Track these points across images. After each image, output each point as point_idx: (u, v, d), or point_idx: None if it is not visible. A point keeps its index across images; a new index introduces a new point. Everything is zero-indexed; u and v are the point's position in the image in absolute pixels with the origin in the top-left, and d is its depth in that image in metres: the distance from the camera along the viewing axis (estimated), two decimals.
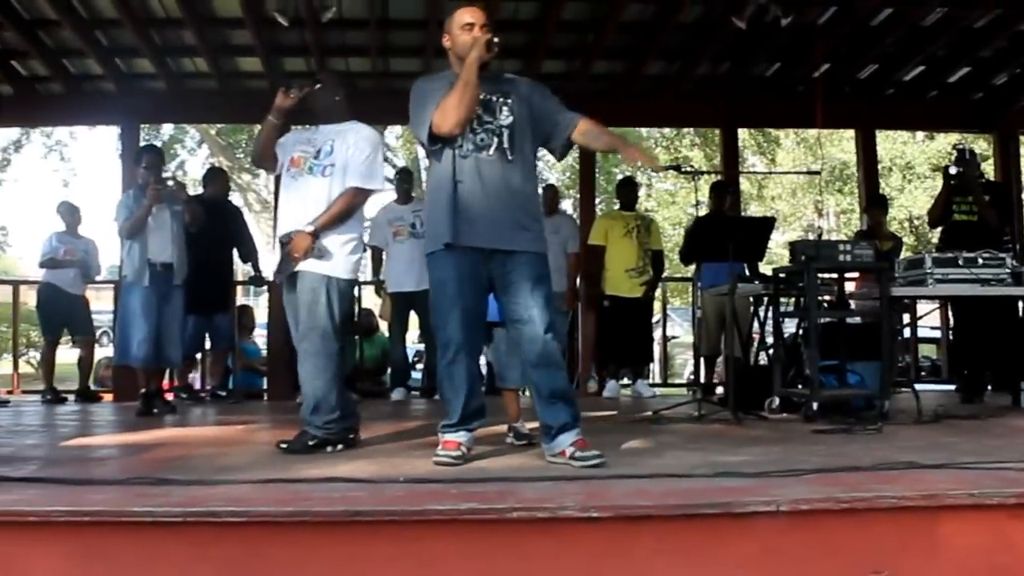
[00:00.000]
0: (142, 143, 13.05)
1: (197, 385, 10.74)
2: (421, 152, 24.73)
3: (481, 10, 5.04)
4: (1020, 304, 8.57)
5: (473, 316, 4.92)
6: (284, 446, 5.41)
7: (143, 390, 8.16)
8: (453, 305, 4.84)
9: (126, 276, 7.98)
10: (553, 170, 26.84)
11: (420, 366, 11.53)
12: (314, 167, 5.58)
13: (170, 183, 8.23)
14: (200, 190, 10.29)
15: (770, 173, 26.29)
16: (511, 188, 4.87)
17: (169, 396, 9.08)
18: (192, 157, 26.74)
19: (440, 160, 4.90)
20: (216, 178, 10.27)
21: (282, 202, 5.73)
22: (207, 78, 11.29)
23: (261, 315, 12.94)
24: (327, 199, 5.50)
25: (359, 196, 5.56)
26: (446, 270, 4.85)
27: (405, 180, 10.50)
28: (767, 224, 8.14)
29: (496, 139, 4.87)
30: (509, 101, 4.95)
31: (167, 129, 24.78)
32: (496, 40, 4.83)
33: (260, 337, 12.61)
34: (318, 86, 5.80)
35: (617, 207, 10.78)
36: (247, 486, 4.02)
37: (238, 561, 3.48)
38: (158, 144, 24.59)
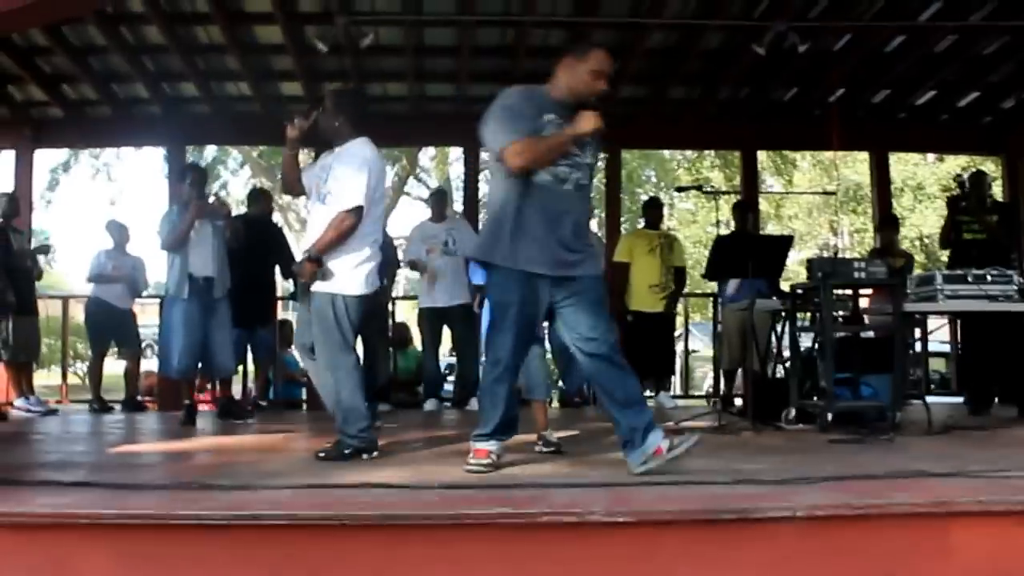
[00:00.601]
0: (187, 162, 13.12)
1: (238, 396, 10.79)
2: (453, 172, 24.89)
3: (611, 69, 4.90)
4: None
5: (525, 340, 4.91)
6: (322, 455, 5.44)
7: (186, 401, 8.23)
8: (511, 327, 4.77)
9: (168, 290, 8.05)
10: None
11: (451, 378, 11.55)
12: (322, 195, 5.69)
13: (212, 199, 8.30)
14: (244, 209, 10.35)
15: (788, 193, 26.15)
16: (577, 218, 4.81)
17: (206, 407, 9.14)
18: (235, 178, 26.81)
19: (509, 178, 4.75)
20: (259, 198, 10.32)
21: (308, 228, 5.86)
22: (249, 102, 11.36)
23: None
24: (324, 225, 5.59)
25: (346, 219, 5.53)
26: (511, 293, 4.76)
27: (440, 200, 10.54)
28: (786, 242, 8.14)
29: (578, 173, 4.79)
30: (593, 141, 4.85)
31: (210, 151, 24.88)
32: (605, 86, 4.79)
33: None
34: (319, 111, 5.86)
35: (642, 225, 10.78)
36: (288, 491, 4.05)
37: (279, 562, 3.52)
38: (202, 164, 24.85)
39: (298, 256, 6.55)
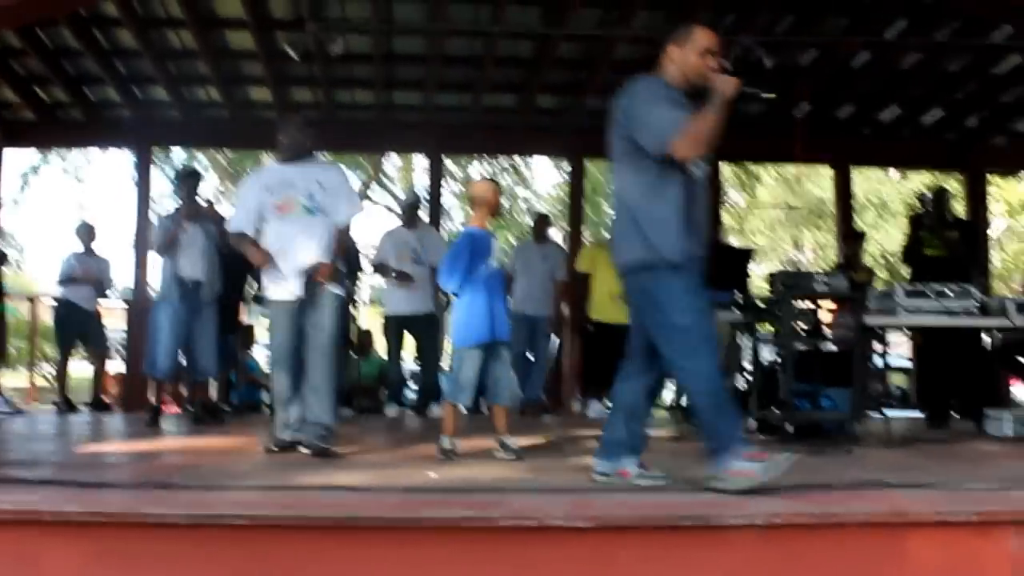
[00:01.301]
0: (153, 167, 13.09)
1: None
2: (419, 181, 24.86)
3: (720, 41, 4.74)
4: (984, 335, 8.65)
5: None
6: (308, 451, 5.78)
7: (153, 402, 8.26)
8: (703, 328, 4.45)
9: (158, 291, 8.15)
10: (542, 201, 26.90)
11: (414, 386, 11.53)
12: (312, 208, 6.05)
13: (203, 201, 8.31)
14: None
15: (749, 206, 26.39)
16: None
17: (177, 409, 9.13)
18: (201, 183, 26.76)
19: (668, 175, 4.48)
20: None
21: (281, 238, 6.06)
22: (218, 107, 11.38)
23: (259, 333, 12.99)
24: (327, 234, 6.04)
25: (346, 231, 6.18)
26: (688, 282, 4.48)
27: (413, 207, 10.52)
28: (746, 254, 8.20)
29: (708, 168, 4.71)
30: None
31: (178, 156, 24.83)
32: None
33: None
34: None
35: (605, 237, 10.82)
36: (252, 492, 4.08)
37: (242, 562, 3.52)
38: (169, 169, 24.72)
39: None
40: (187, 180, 8.49)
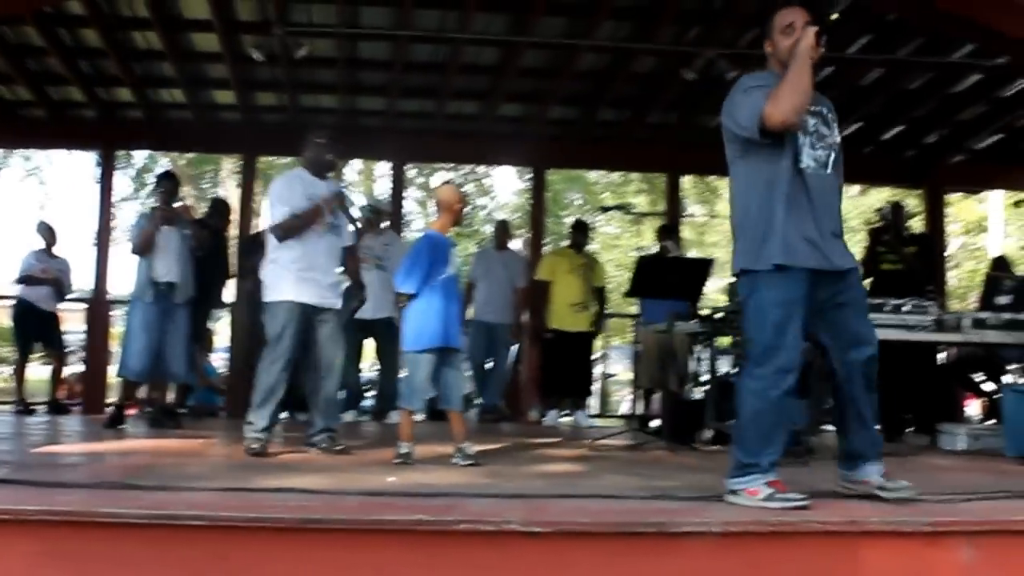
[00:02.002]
0: (115, 169, 13.03)
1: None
2: (379, 188, 24.83)
3: (803, 9, 4.43)
4: (938, 348, 8.75)
5: (799, 344, 4.30)
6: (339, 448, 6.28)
7: (116, 404, 8.25)
8: (786, 331, 4.22)
9: (132, 292, 8.09)
10: (504, 210, 26.96)
11: (372, 393, 11.50)
12: (335, 227, 6.50)
13: (177, 204, 8.25)
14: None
15: (714, 216, 26.54)
16: (838, 206, 4.43)
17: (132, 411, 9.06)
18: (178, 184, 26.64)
19: (775, 168, 4.31)
20: (220, 210, 10.18)
21: (314, 247, 6.39)
22: (182, 109, 11.30)
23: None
24: (338, 251, 6.58)
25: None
26: (795, 293, 4.25)
27: (377, 212, 10.48)
28: (706, 265, 8.23)
29: (832, 155, 4.40)
30: (833, 117, 4.50)
31: (140, 158, 24.68)
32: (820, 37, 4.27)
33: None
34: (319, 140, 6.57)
35: (566, 244, 10.84)
36: (209, 493, 4.05)
37: (199, 563, 3.50)
38: (131, 172, 24.57)
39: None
40: (165, 182, 8.44)
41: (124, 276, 9.26)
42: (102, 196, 11.64)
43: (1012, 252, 23.30)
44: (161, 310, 7.96)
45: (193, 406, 10.34)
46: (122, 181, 24.55)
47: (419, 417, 6.73)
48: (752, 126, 4.24)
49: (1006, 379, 8.70)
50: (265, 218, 6.55)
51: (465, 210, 6.23)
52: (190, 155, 22.57)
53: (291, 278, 6.23)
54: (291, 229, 6.27)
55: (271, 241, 6.40)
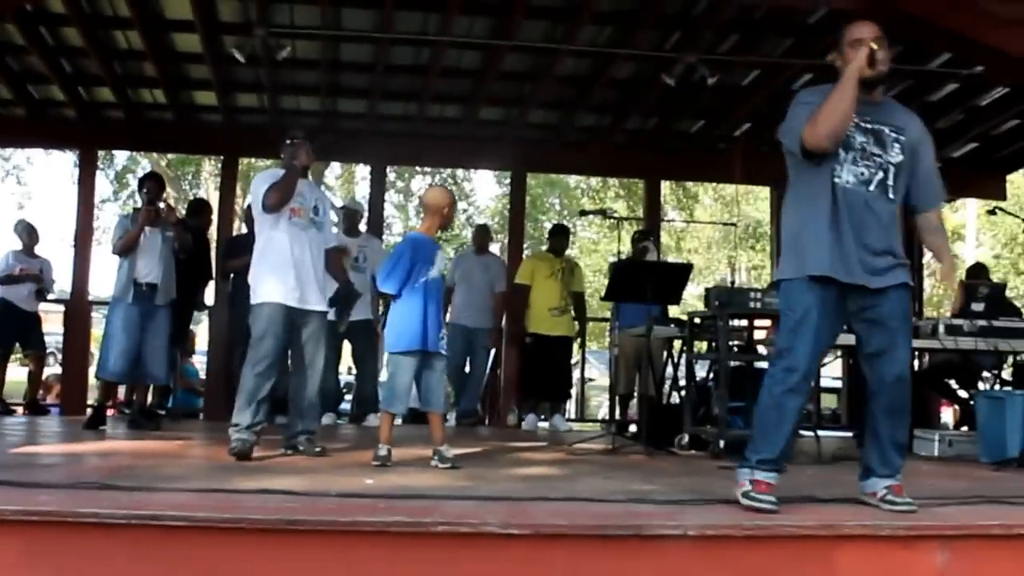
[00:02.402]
0: (96, 169, 12.96)
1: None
2: (359, 192, 24.81)
3: (873, 24, 4.46)
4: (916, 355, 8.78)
5: (819, 353, 4.49)
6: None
7: (95, 405, 8.22)
8: (809, 335, 4.30)
9: (113, 292, 8.04)
10: (483, 214, 26.99)
11: (349, 396, 11.47)
12: (317, 223, 6.40)
13: (161, 205, 8.21)
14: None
15: (693, 222, 26.64)
16: (884, 226, 4.34)
17: (110, 412, 9.03)
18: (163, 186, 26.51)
19: (813, 182, 4.37)
20: (201, 210, 10.13)
21: (297, 243, 6.25)
22: (163, 109, 11.28)
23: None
24: (323, 250, 6.42)
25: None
26: (810, 300, 4.30)
27: (353, 216, 10.45)
28: (684, 270, 8.26)
29: (882, 174, 4.34)
30: (902, 139, 4.42)
31: (120, 159, 24.59)
32: (877, 54, 4.30)
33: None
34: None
35: (545, 249, 10.85)
36: (188, 494, 4.03)
37: (177, 563, 3.49)
38: (111, 173, 24.45)
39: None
40: (148, 183, 8.38)
41: (104, 277, 9.20)
42: (82, 197, 11.59)
43: (986, 260, 23.48)
44: (142, 311, 7.90)
45: (173, 408, 10.31)
46: (102, 182, 24.47)
47: (399, 421, 6.72)
48: (794, 145, 4.35)
49: (980, 386, 8.74)
50: (248, 218, 6.45)
51: (451, 213, 6.14)
52: (171, 156, 22.51)
53: (274, 280, 6.15)
54: (281, 189, 6.17)
55: (257, 241, 6.35)
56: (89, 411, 8.18)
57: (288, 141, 6.39)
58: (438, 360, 5.90)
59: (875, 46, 4.30)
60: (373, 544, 3.53)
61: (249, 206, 7.91)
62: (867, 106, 4.34)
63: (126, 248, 7.89)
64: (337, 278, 6.73)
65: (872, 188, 4.32)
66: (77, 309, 11.26)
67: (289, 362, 6.47)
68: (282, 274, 6.15)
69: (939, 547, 3.80)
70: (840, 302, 4.34)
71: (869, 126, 4.35)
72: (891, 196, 4.36)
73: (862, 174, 4.31)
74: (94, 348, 10.93)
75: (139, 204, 8.25)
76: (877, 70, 4.30)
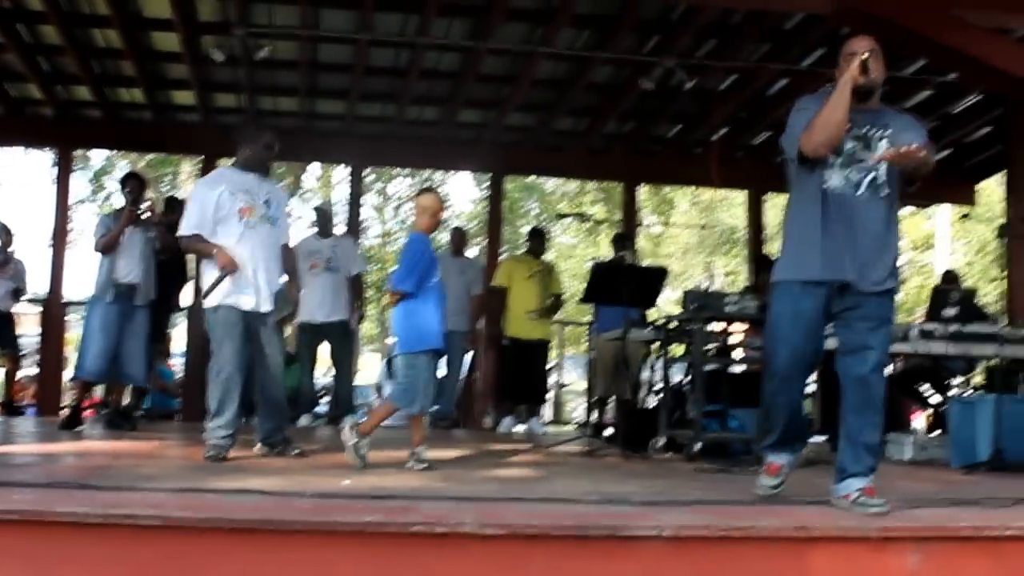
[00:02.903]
0: (73, 169, 12.92)
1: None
2: (336, 195, 24.76)
3: (869, 38, 4.57)
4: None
5: (801, 353, 4.58)
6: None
7: (72, 405, 8.17)
8: (785, 340, 4.55)
9: (93, 291, 7.98)
10: (460, 218, 26.99)
11: (327, 398, 11.45)
12: (271, 218, 6.19)
13: (146, 204, 8.17)
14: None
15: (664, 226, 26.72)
16: (876, 230, 4.49)
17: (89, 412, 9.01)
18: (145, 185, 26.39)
19: (805, 188, 4.55)
20: (177, 209, 10.05)
21: (248, 244, 6.06)
22: (142, 109, 11.23)
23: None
24: (279, 250, 6.28)
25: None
26: (799, 303, 4.51)
27: (325, 216, 10.45)
28: (660, 274, 8.28)
29: (872, 175, 4.48)
30: (888, 133, 4.52)
31: (98, 160, 24.48)
32: (869, 63, 4.42)
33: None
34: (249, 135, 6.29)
35: (522, 252, 10.86)
36: (164, 493, 4.02)
37: (154, 561, 3.49)
38: (90, 173, 24.33)
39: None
40: (131, 182, 8.33)
41: (80, 278, 9.15)
42: (58, 197, 11.53)
43: (959, 267, 23.63)
44: (121, 311, 7.86)
45: (149, 409, 10.26)
46: (80, 182, 24.33)
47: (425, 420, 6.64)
48: (792, 151, 4.53)
49: (952, 391, 8.81)
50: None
51: (440, 218, 6.05)
52: (149, 156, 22.39)
53: (226, 282, 6.02)
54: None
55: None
56: (65, 411, 8.11)
57: (260, 139, 6.32)
58: (437, 361, 5.92)
59: (867, 56, 4.43)
60: (349, 544, 3.53)
61: None
62: (861, 114, 4.47)
63: (108, 246, 7.85)
64: (289, 274, 6.54)
65: (861, 191, 4.46)
66: (53, 310, 11.19)
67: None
68: (234, 277, 6.00)
69: (911, 549, 3.83)
70: (828, 305, 4.49)
71: (861, 131, 4.49)
72: (882, 195, 4.48)
73: (852, 178, 4.46)
74: (70, 349, 10.87)
75: (121, 204, 8.20)
76: (869, 79, 4.43)
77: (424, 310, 5.75)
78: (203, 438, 5.90)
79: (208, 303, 6.07)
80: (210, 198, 6.06)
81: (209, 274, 6.10)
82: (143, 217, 7.96)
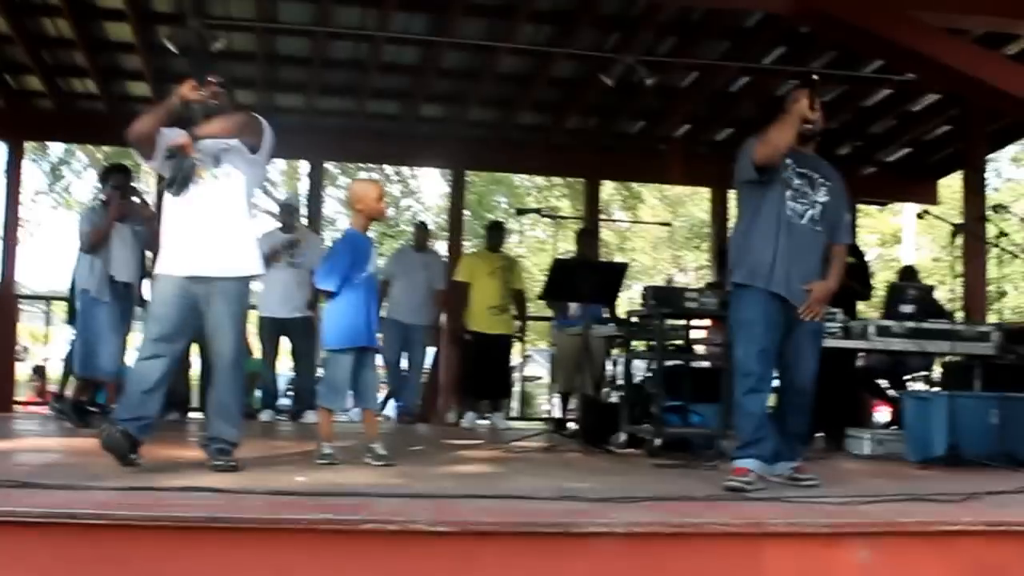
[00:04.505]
0: (29, 160, 12.79)
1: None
2: (302, 188, 24.66)
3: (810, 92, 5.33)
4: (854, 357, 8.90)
5: (770, 354, 5.22)
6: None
7: (80, 401, 8.21)
8: (757, 343, 5.18)
9: (87, 291, 7.87)
10: (428, 212, 26.94)
11: (290, 393, 11.41)
12: (216, 174, 5.31)
13: (135, 199, 8.10)
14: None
15: (633, 222, 26.72)
16: (814, 253, 5.31)
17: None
18: (79, 180, 26.16)
19: (765, 206, 5.25)
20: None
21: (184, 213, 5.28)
22: (96, 100, 11.10)
23: None
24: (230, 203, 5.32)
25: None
26: (755, 310, 5.21)
27: (290, 211, 10.40)
28: (620, 269, 8.32)
29: (812, 211, 5.29)
30: (828, 184, 5.40)
31: (56, 151, 24.23)
32: (816, 105, 5.30)
33: None
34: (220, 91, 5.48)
35: (484, 246, 10.86)
36: (111, 492, 3.99)
37: (99, 563, 3.47)
38: (46, 166, 24.09)
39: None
40: (116, 175, 8.20)
41: (37, 271, 9.04)
42: (9, 189, 11.39)
43: (925, 263, 23.81)
44: (124, 309, 7.89)
45: (103, 404, 10.17)
46: (36, 174, 24.12)
47: (341, 417, 6.68)
48: (747, 171, 5.25)
49: (909, 386, 8.88)
50: None
51: (380, 206, 6.01)
52: (107, 148, 22.16)
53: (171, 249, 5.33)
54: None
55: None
56: (65, 407, 8.11)
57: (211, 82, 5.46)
58: (372, 355, 5.94)
59: (815, 99, 5.30)
60: (300, 543, 3.53)
61: None
62: (801, 156, 5.35)
63: (96, 244, 7.78)
64: None
65: (805, 221, 5.27)
66: (4, 303, 11.06)
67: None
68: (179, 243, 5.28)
69: (860, 544, 3.88)
70: (779, 312, 5.21)
71: (804, 171, 5.33)
72: (818, 229, 5.32)
73: (799, 209, 5.26)
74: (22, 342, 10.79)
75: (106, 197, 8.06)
76: (813, 120, 5.31)
77: (348, 307, 5.79)
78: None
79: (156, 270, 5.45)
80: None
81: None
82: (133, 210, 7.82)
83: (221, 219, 5.28)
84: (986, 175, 12.16)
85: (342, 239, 6.06)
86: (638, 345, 8.16)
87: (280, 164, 25.38)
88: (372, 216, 6.03)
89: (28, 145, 14.45)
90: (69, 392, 8.98)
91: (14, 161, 11.67)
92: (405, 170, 25.77)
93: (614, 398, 8.46)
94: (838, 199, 5.43)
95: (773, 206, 5.22)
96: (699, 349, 8.75)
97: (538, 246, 29.47)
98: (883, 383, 9.33)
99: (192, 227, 5.25)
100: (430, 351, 10.92)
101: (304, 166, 24.20)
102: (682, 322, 8.08)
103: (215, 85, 5.44)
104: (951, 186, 14.58)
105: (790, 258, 5.17)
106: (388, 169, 24.78)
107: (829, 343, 7.46)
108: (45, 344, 11.93)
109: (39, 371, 13.80)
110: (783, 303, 5.19)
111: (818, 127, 5.40)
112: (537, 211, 10.23)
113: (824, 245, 5.37)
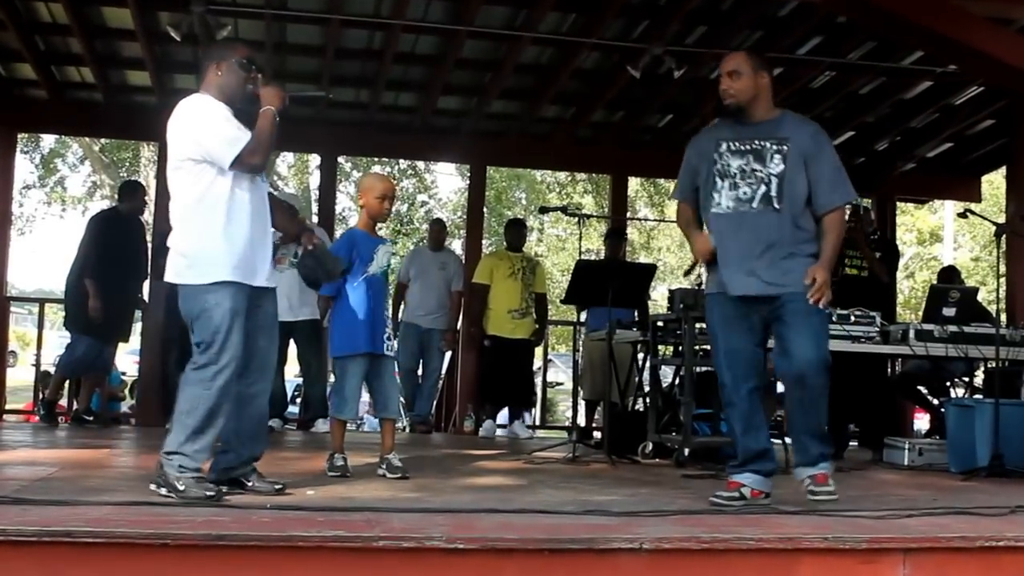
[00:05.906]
0: (20, 152, 12.84)
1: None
2: (314, 183, 24.71)
3: (731, 57, 5.28)
4: (890, 361, 8.85)
5: (740, 358, 4.98)
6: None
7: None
8: (720, 348, 5.04)
9: None
10: (444, 208, 26.95)
11: (299, 400, 11.42)
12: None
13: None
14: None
15: (657, 221, 26.64)
16: (772, 238, 4.88)
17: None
18: (74, 174, 26.21)
19: (703, 215, 5.11)
20: (134, 192, 9.91)
21: (246, 203, 4.97)
22: (92, 89, 11.00)
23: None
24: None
25: None
26: (711, 316, 5.11)
27: (294, 208, 10.38)
28: (648, 271, 8.28)
29: (764, 188, 4.89)
30: (784, 148, 4.93)
31: (48, 143, 24.25)
32: (723, 86, 5.10)
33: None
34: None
35: (504, 246, 10.83)
36: (108, 508, 3.97)
37: None
38: (37, 158, 24.17)
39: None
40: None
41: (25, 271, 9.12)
42: (1, 182, 11.37)
43: (964, 263, 23.70)
44: None
45: (98, 413, 10.19)
46: (27, 166, 24.13)
47: (352, 427, 6.68)
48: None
49: (952, 393, 8.82)
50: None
51: (380, 205, 5.93)
52: (103, 141, 22.19)
53: (229, 252, 4.91)
54: (265, 145, 4.94)
55: (201, 204, 4.84)
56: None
57: (239, 62, 5.06)
58: (387, 362, 5.89)
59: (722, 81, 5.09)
60: (310, 561, 3.50)
61: None
62: (745, 127, 4.99)
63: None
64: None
65: (755, 204, 4.89)
66: None
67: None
68: (241, 245, 4.96)
69: (901, 560, 3.83)
70: (748, 314, 4.94)
71: (747, 147, 4.94)
72: (776, 206, 4.88)
73: (745, 194, 4.90)
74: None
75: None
76: (726, 102, 5.03)
77: (350, 312, 5.77)
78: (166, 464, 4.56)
79: (204, 279, 4.80)
80: (230, 127, 4.92)
81: (205, 242, 4.86)
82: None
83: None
84: None
85: (339, 239, 6.07)
86: (665, 351, 8.12)
87: (289, 158, 25.39)
88: (371, 214, 5.99)
89: (20, 136, 14.39)
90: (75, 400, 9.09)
91: (6, 153, 11.60)
92: (420, 165, 25.73)
93: (640, 406, 8.43)
94: (810, 159, 4.95)
95: (708, 204, 4.99)
96: None
97: (558, 244, 29.43)
98: (923, 389, 9.27)
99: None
100: (446, 356, 10.89)
101: (315, 160, 24.40)
102: None
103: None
104: (994, 182, 14.52)
105: (742, 253, 4.86)
106: (403, 163, 24.76)
107: (867, 348, 7.45)
108: (38, 348, 11.89)
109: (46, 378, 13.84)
110: (743, 298, 4.88)
111: (741, 97, 5.00)
112: (562, 209, 10.15)
113: (801, 208, 4.91)
